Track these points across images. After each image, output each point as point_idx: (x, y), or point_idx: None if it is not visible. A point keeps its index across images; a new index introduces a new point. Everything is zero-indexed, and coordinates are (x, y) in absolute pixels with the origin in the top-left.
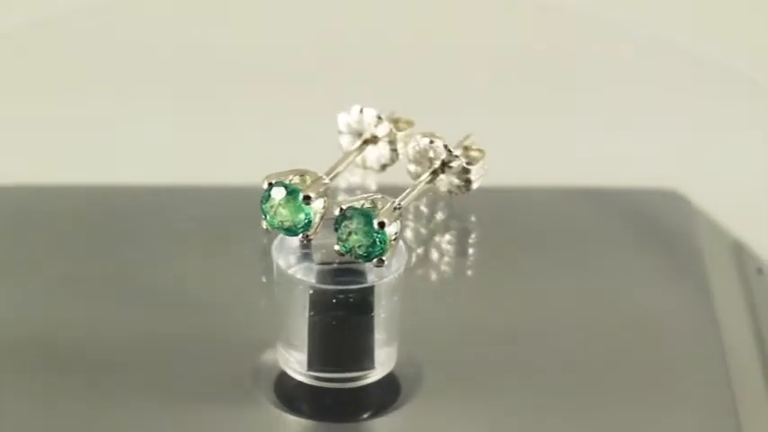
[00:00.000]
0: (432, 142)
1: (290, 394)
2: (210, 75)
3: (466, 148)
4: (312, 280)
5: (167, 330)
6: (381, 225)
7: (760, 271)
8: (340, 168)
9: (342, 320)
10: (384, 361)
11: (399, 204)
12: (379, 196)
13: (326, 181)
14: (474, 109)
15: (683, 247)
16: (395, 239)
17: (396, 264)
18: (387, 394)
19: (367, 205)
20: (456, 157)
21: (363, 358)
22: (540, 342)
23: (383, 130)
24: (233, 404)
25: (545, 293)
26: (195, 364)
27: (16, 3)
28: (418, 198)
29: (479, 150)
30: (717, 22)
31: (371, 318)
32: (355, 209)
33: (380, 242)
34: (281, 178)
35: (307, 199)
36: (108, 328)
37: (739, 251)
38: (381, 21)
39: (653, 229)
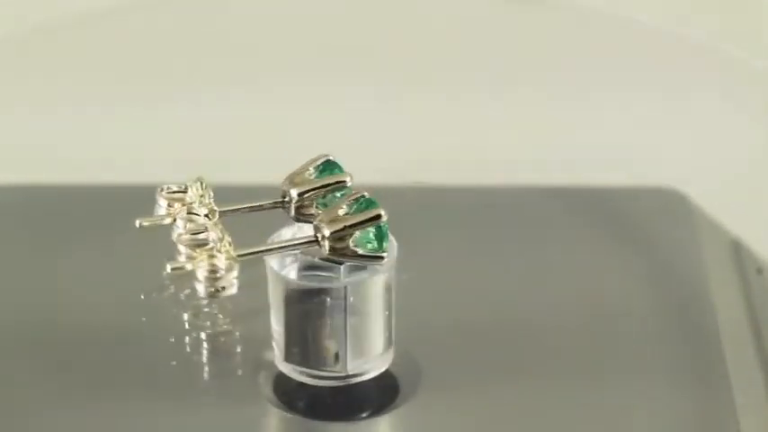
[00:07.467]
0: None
1: (289, 393)
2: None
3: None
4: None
5: (166, 329)
6: None
7: (759, 270)
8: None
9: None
10: (383, 357)
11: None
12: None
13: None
14: (471, 106)
15: (683, 246)
16: None
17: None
18: (385, 394)
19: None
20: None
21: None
22: (538, 341)
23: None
24: (232, 404)
25: (543, 293)
26: (194, 363)
27: (17, 5)
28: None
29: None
30: (719, 18)
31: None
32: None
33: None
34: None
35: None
36: (106, 327)
37: (738, 250)
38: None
39: (652, 228)
